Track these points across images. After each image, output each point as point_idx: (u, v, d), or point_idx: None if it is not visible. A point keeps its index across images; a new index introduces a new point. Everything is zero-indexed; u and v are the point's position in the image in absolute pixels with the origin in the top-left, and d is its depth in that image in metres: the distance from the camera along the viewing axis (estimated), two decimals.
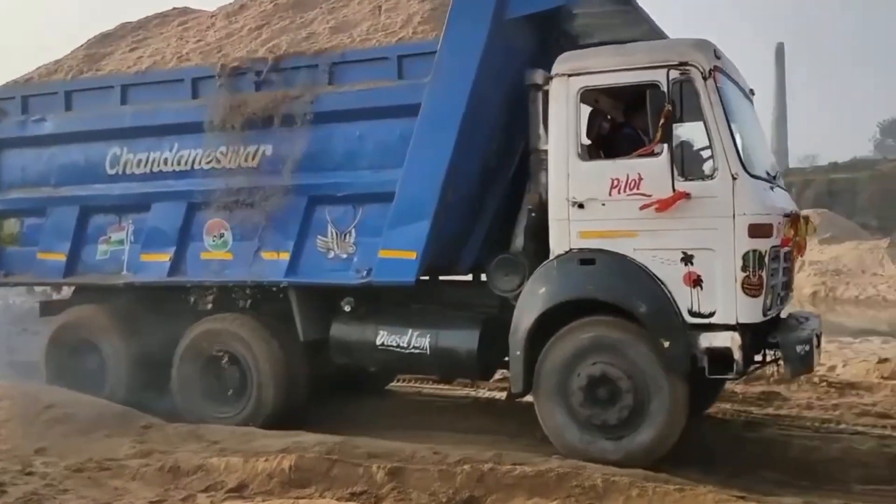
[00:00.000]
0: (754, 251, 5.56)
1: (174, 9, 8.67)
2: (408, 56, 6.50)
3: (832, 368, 9.76)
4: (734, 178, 5.58)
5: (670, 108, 5.60)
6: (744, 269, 5.56)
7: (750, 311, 5.61)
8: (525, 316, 6.12)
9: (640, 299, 5.78)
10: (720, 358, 5.65)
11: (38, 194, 7.93)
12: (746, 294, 5.58)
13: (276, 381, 7.04)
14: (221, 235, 7.22)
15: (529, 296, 6.14)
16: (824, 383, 8.62)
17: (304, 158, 6.81)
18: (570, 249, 6.03)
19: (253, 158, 7.00)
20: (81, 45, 8.38)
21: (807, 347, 5.65)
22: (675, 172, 5.67)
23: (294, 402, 7.16)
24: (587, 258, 5.97)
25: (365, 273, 6.64)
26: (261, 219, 6.98)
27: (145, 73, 7.53)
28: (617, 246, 5.87)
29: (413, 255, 6.44)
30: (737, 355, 5.59)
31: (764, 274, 5.60)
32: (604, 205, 5.91)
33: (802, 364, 5.68)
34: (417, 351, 6.68)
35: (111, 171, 7.60)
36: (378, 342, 6.80)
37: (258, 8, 7.66)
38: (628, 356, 5.83)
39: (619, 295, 5.87)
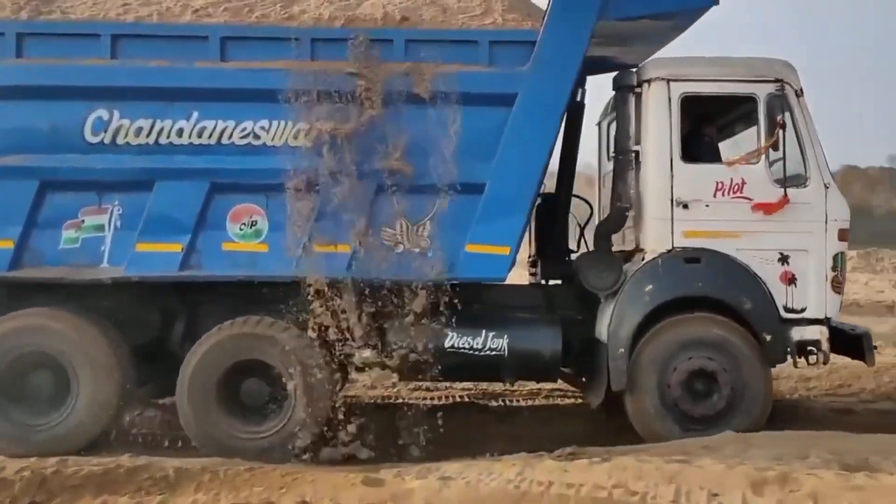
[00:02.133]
0: (841, 253, 6.26)
1: None
2: (501, 42, 6.19)
3: None
4: (826, 187, 6.23)
5: (783, 120, 6.10)
6: (833, 268, 6.22)
7: (835, 306, 6.29)
8: (630, 313, 6.16)
9: (745, 296, 6.16)
10: (808, 349, 6.25)
11: None
12: (835, 291, 6.24)
13: (314, 395, 6.16)
14: (253, 224, 6.15)
15: (633, 293, 6.19)
16: None
17: (372, 140, 6.11)
18: (673, 248, 6.22)
19: (306, 136, 6.09)
20: None
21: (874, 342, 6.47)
22: (776, 179, 6.17)
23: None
24: (692, 257, 6.21)
25: (445, 270, 6.14)
26: (312, 206, 6.09)
27: (151, 23, 6.14)
28: (720, 245, 6.19)
29: (507, 251, 6.14)
30: (825, 346, 6.22)
31: (845, 273, 6.32)
32: (707, 206, 6.20)
33: (874, 354, 6.48)
34: (494, 353, 6.34)
35: (93, 140, 6.04)
36: (448, 345, 6.32)
37: None
38: (728, 350, 6.15)
39: (727, 292, 6.18)
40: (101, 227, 6.12)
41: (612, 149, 7.57)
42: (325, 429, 6.16)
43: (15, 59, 6.07)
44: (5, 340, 6.08)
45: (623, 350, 6.12)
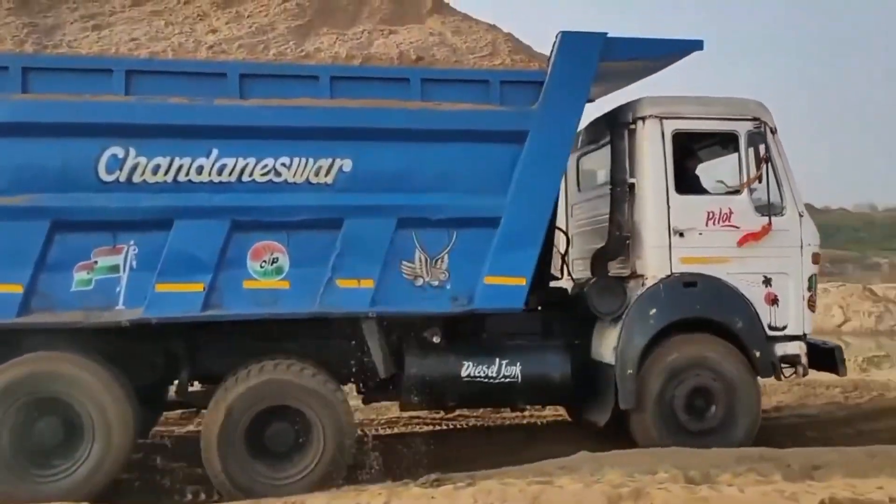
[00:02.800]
0: (814, 275, 6.92)
1: None
2: (511, 82, 6.46)
3: None
4: (801, 216, 6.88)
5: (767, 155, 6.70)
6: (808, 289, 6.87)
7: (810, 323, 6.93)
8: (637, 335, 6.57)
9: (737, 316, 6.70)
10: (790, 363, 6.85)
11: None
12: (810, 309, 6.88)
13: (343, 435, 6.20)
14: (274, 261, 6.11)
15: (638, 316, 6.60)
16: None
17: (393, 177, 6.23)
18: (672, 273, 6.67)
19: (327, 174, 6.13)
20: (1, 7, 6.19)
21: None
22: (758, 207, 6.77)
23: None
24: (689, 281, 6.68)
25: (465, 301, 6.34)
26: (334, 242, 6.14)
27: (168, 60, 6.00)
28: (713, 270, 6.71)
29: (523, 281, 6.39)
30: (804, 360, 6.85)
31: (816, 293, 6.97)
32: (701, 234, 6.71)
33: (845, 366, 7.14)
34: (508, 380, 6.58)
35: (108, 178, 5.84)
36: (464, 374, 6.50)
37: (290, 11, 6.62)
38: (723, 367, 6.67)
39: (722, 313, 6.70)
40: (115, 268, 5.91)
41: (581, 180, 8.05)
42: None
43: (21, 94, 5.80)
44: (17, 386, 5.77)
45: (631, 371, 6.51)
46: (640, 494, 5.01)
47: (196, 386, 6.79)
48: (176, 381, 6.59)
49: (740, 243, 6.72)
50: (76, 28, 6.24)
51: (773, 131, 6.88)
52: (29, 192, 5.76)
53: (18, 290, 5.73)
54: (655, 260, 6.70)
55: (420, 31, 6.73)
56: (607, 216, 7.17)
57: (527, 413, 8.67)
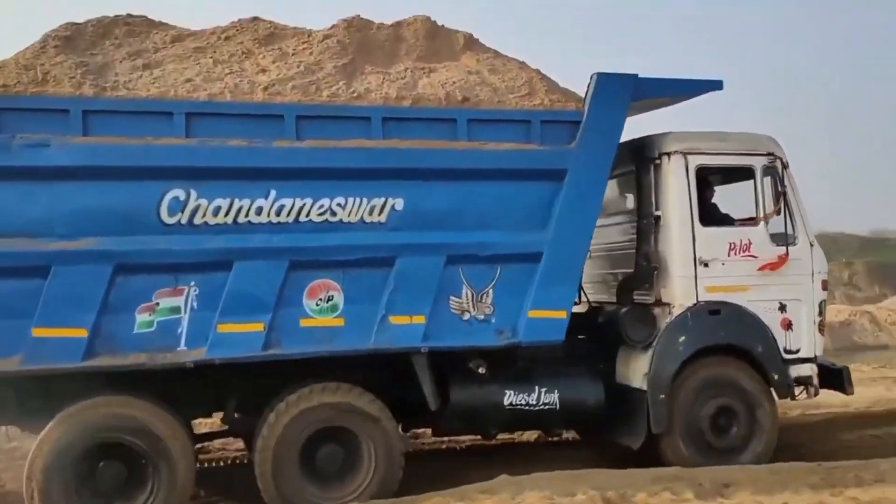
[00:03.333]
0: (823, 300, 7.42)
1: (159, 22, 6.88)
2: (551, 122, 6.73)
3: None
4: (811, 245, 7.36)
5: (783, 189, 7.14)
6: (819, 314, 7.37)
7: (820, 346, 7.43)
8: (669, 362, 6.96)
9: (758, 341, 7.15)
10: (802, 384, 7.34)
11: (32, 247, 5.64)
12: (820, 333, 7.39)
13: (393, 456, 6.44)
14: (330, 299, 6.27)
15: (668, 343, 6.98)
16: None
17: (443, 215, 6.45)
18: (697, 302, 7.06)
19: (381, 213, 6.31)
20: (48, 46, 6.13)
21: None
22: (773, 238, 7.22)
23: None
24: (714, 309, 7.09)
25: (509, 334, 6.61)
26: (387, 279, 6.33)
27: (226, 102, 6.06)
28: (735, 298, 7.14)
29: (564, 314, 6.72)
30: (815, 381, 7.35)
31: (825, 317, 7.48)
32: (723, 264, 7.12)
33: (852, 386, 7.66)
34: (547, 407, 6.88)
35: (170, 220, 5.89)
36: (507, 402, 6.78)
37: (333, 49, 6.74)
38: (745, 388, 7.12)
39: (745, 339, 7.14)
40: (176, 310, 5.97)
41: None
42: None
43: (82, 137, 5.79)
44: (89, 430, 5.81)
45: (664, 396, 6.89)
46: None
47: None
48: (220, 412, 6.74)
49: (760, 271, 7.17)
50: (126, 67, 6.26)
51: (786, 165, 7.34)
52: (92, 236, 5.77)
53: (83, 334, 5.75)
54: (682, 289, 7.08)
55: (458, 70, 6.94)
56: (619, 242, 7.55)
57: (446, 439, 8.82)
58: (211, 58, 6.52)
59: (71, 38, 6.38)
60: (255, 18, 7.09)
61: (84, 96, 5.85)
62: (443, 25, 7.39)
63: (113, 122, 5.88)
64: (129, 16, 6.89)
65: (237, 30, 6.90)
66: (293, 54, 6.69)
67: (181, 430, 6.06)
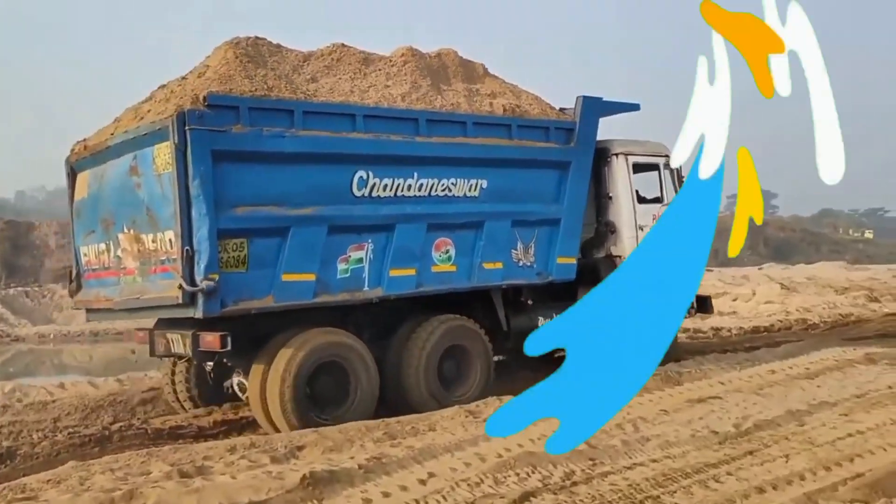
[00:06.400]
0: None
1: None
2: (561, 129, 9.74)
3: None
4: None
5: (683, 177, 10.86)
6: None
7: None
8: None
9: None
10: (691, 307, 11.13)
11: (278, 212, 7.38)
12: None
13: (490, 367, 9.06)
14: (447, 252, 8.69)
15: None
16: None
17: (508, 191, 9.15)
18: None
19: (474, 189, 8.85)
20: (240, 59, 7.74)
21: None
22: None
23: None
24: None
25: (546, 275, 9.50)
26: (480, 237, 8.89)
27: (388, 108, 8.21)
28: None
29: (573, 260, 9.79)
30: (694, 306, 11.18)
31: None
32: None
33: (713, 307, 11.56)
34: None
35: (358, 193, 7.94)
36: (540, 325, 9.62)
37: (417, 72, 9.04)
38: None
39: None
40: (360, 260, 8.05)
41: None
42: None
43: (304, 130, 7.63)
44: (316, 352, 7.63)
45: None
46: (133, 496, 5.15)
47: None
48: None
49: None
50: (300, 79, 8.13)
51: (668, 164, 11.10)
52: (315, 205, 7.68)
53: (312, 278, 7.64)
54: (630, 245, 10.49)
55: (499, 91, 9.66)
56: None
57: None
58: (346, 75, 8.58)
59: (252, 56, 8.05)
60: (344, 45, 9.18)
61: (297, 99, 7.73)
62: (462, 56, 10.05)
63: (319, 120, 7.82)
64: (258, 38, 8.62)
65: (341, 53, 8.97)
66: (396, 74, 8.97)
67: (367, 350, 8.08)
